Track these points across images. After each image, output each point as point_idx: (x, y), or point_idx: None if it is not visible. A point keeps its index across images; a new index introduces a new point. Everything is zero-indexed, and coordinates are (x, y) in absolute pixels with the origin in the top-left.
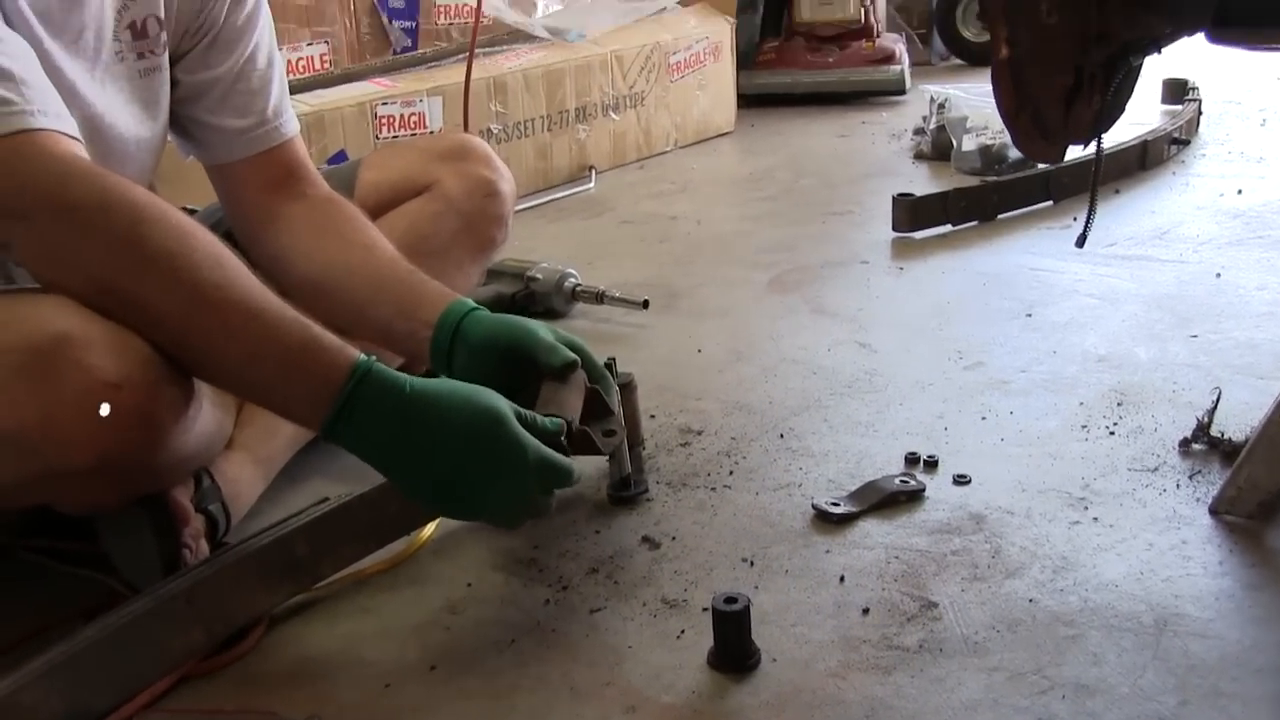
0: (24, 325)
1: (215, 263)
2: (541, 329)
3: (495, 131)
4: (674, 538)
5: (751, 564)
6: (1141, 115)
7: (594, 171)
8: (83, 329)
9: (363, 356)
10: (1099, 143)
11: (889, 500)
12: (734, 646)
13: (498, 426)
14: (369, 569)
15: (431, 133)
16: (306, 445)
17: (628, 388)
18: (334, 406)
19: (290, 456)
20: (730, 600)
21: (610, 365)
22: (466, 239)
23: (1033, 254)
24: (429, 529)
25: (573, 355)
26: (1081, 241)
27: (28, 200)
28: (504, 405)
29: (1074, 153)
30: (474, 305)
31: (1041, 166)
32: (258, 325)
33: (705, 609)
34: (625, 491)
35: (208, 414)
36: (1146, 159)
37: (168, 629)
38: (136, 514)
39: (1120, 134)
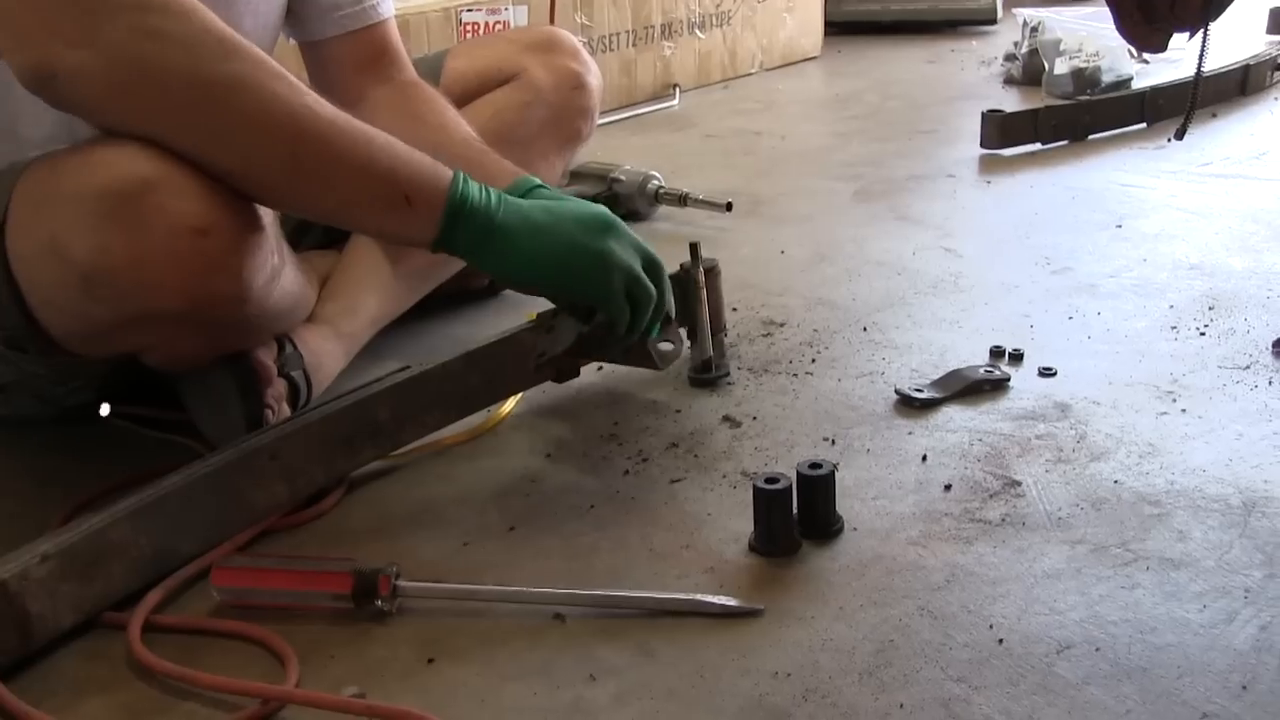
0: (108, 169)
1: (311, 97)
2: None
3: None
4: (755, 418)
5: (833, 443)
6: (1245, 43)
7: (678, 89)
8: (167, 173)
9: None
10: (1205, 33)
11: (973, 388)
12: (818, 512)
13: (598, 221)
14: (448, 439)
15: None
16: (390, 325)
17: (712, 272)
18: (447, 210)
19: (372, 335)
20: (815, 466)
21: (695, 248)
22: (553, 130)
23: (1124, 171)
24: (510, 404)
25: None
26: (1181, 133)
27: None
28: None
29: (1175, 70)
30: (540, 182)
31: (1137, 87)
32: (364, 150)
33: None
34: (706, 374)
35: (291, 275)
36: (1247, 84)
37: (251, 481)
38: (220, 372)
39: (1221, 58)
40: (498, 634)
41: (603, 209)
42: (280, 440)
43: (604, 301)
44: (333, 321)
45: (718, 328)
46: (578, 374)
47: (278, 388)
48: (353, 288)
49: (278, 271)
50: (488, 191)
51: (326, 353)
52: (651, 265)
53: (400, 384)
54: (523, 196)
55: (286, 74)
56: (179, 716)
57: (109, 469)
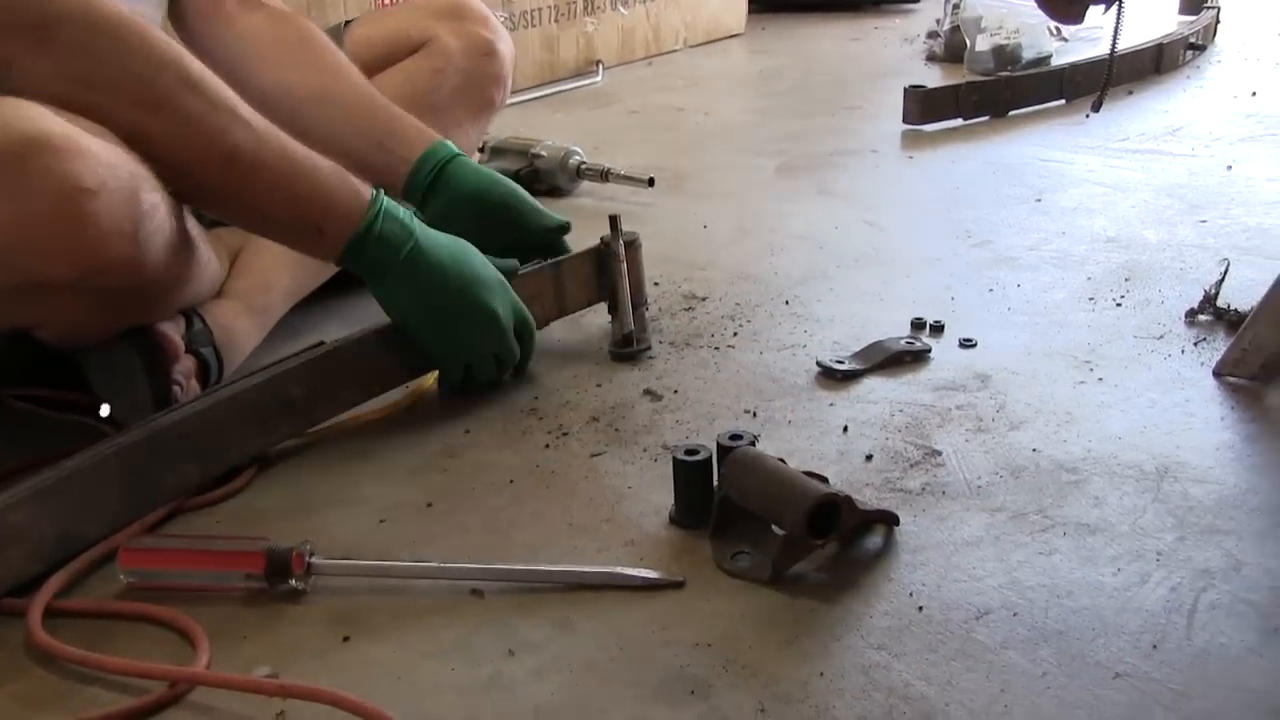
0: None
1: (234, 99)
2: (525, 193)
3: (501, 19)
4: (676, 391)
5: (754, 415)
6: (1159, 23)
7: (601, 66)
8: (54, 133)
9: (374, 192)
10: (1120, 7)
11: (894, 360)
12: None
13: (485, 278)
14: (366, 415)
15: None
16: (305, 301)
17: (632, 246)
18: (349, 242)
19: (287, 311)
20: (735, 437)
21: (615, 221)
22: (465, 97)
23: (1043, 146)
24: (429, 380)
25: (563, 219)
26: (1097, 106)
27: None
28: (491, 277)
29: (1092, 48)
30: (456, 150)
31: (1056, 64)
32: (287, 163)
33: None
34: (627, 349)
35: (196, 246)
36: (1161, 62)
37: (159, 461)
38: (124, 347)
39: (1136, 37)
40: (414, 610)
41: (498, 275)
42: (190, 418)
43: (469, 361)
44: (244, 297)
45: (639, 302)
46: None
47: (185, 364)
48: (265, 263)
49: (178, 239)
50: (405, 229)
51: (238, 329)
52: (524, 326)
53: (314, 360)
54: (441, 168)
55: (224, 87)
56: (82, 703)
57: (8, 451)
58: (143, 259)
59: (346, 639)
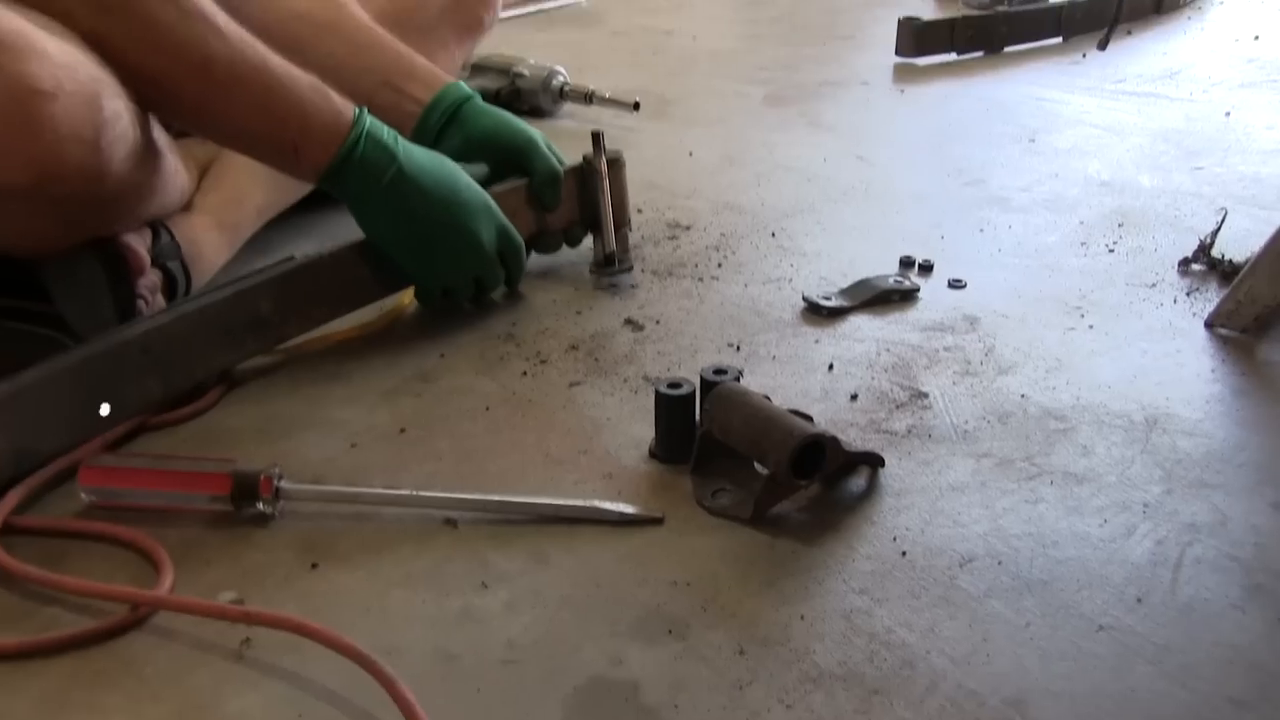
0: None
1: (210, 8)
2: (541, 138)
3: None
4: (658, 321)
5: (737, 349)
6: None
7: None
8: (10, 30)
9: (357, 111)
10: None
11: (882, 298)
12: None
13: (470, 200)
14: (338, 334)
15: None
16: (279, 217)
17: (615, 164)
18: (329, 166)
19: (259, 226)
20: (720, 372)
21: (597, 139)
22: (453, 17)
23: (1039, 85)
24: (405, 299)
25: (559, 170)
26: (1104, 44)
27: None
28: (480, 199)
29: None
30: (470, 92)
31: (1053, 1)
32: (264, 77)
33: None
34: (609, 268)
35: (163, 155)
36: (1162, 2)
37: (121, 374)
38: (87, 259)
39: None
40: (385, 539)
41: (483, 197)
42: (152, 332)
43: (448, 284)
44: (214, 211)
45: (621, 221)
46: None
47: (151, 278)
48: (236, 176)
49: (143, 148)
50: (387, 151)
51: (207, 244)
52: (511, 247)
53: (285, 275)
54: (456, 110)
55: None
56: (40, 623)
57: None
58: (104, 167)
59: (315, 566)
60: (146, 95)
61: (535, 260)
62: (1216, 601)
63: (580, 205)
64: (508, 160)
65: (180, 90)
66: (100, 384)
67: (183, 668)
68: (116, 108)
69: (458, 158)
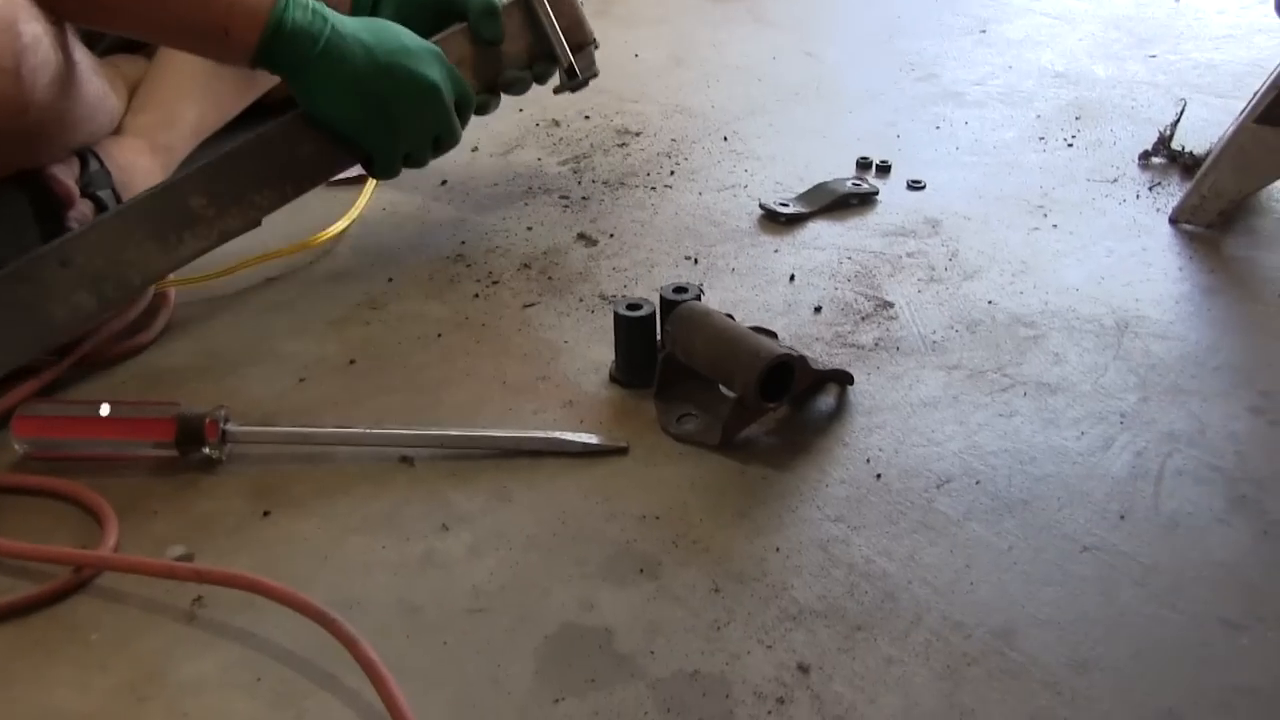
0: None
1: None
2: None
3: None
4: (612, 235)
5: (695, 261)
6: None
7: None
8: None
9: None
10: None
11: (840, 202)
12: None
13: (416, 49)
14: (282, 250)
15: None
16: (215, 137)
17: None
18: (261, 41)
19: (193, 148)
20: (680, 290)
21: None
22: None
23: None
24: (343, 222)
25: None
26: None
27: None
28: (423, 49)
29: None
30: None
31: None
32: None
33: None
34: (573, 80)
35: (89, 80)
36: None
37: (42, 294)
38: (11, 193)
39: None
40: (339, 481)
41: (428, 45)
42: (69, 244)
43: (409, 149)
44: (146, 134)
45: (582, 40)
46: None
47: (81, 209)
48: (168, 95)
49: (65, 73)
50: (317, 15)
51: (140, 169)
52: (463, 98)
53: (213, 164)
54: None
55: None
56: None
57: None
58: (25, 97)
59: (267, 514)
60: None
61: (484, 173)
62: (1201, 515)
63: (535, 38)
64: (447, 12)
65: None
66: (22, 305)
67: (131, 632)
68: (35, 31)
69: (392, 17)
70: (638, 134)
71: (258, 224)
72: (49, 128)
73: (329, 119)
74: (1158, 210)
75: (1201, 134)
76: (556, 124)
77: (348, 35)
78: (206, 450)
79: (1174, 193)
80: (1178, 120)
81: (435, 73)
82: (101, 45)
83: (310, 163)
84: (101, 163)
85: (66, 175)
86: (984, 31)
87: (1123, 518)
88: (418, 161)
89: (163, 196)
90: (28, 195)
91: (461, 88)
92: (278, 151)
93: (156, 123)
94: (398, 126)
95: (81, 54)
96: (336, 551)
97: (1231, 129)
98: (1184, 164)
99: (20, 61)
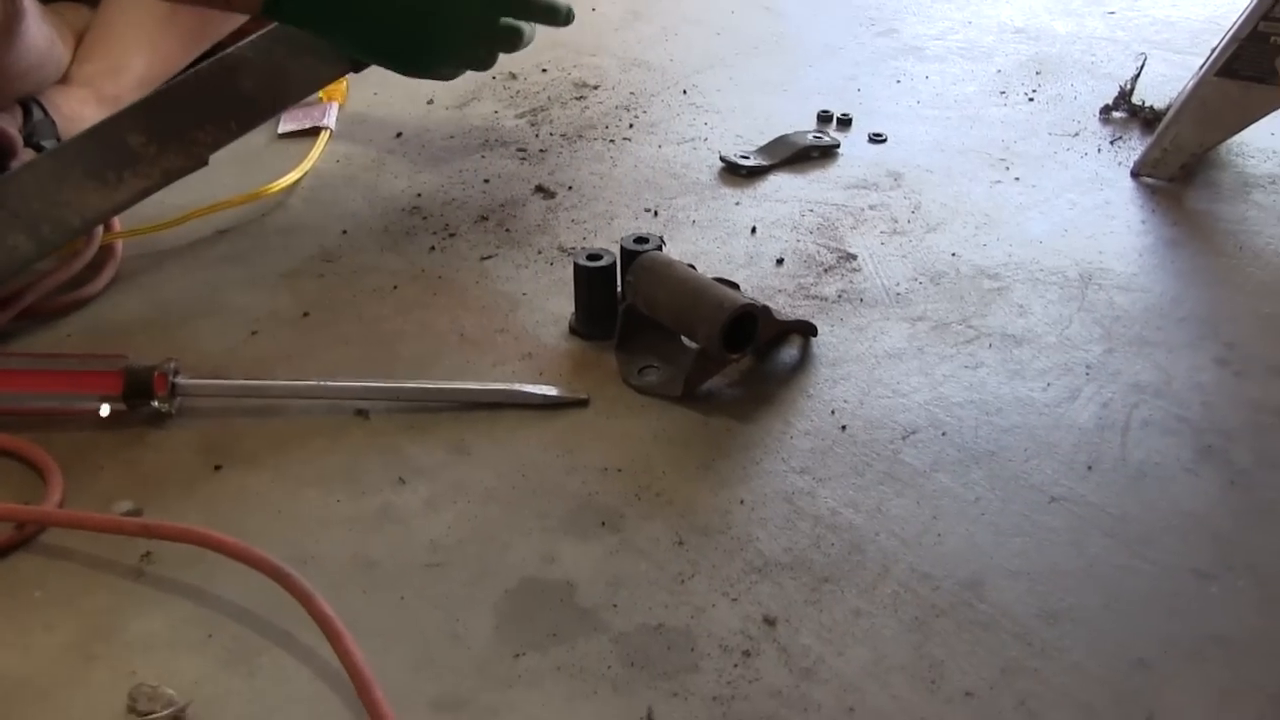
0: None
1: None
2: None
3: None
4: (570, 188)
5: (655, 214)
6: None
7: None
8: None
9: None
10: None
11: (801, 155)
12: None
13: None
14: (232, 200)
15: None
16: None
17: None
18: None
19: (141, 98)
20: (641, 240)
21: None
22: None
23: None
24: (295, 174)
25: None
26: None
27: None
28: None
29: None
30: None
31: None
32: None
33: None
34: None
35: (35, 28)
36: None
37: None
38: None
39: None
40: (293, 434)
41: None
42: (0, 186)
43: (469, 62)
44: (92, 83)
45: None
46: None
47: (25, 159)
48: (114, 44)
49: (14, 22)
50: None
51: (85, 118)
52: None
53: (149, 100)
54: None
55: None
56: None
57: None
58: None
59: (218, 468)
60: None
61: (439, 125)
62: (1169, 465)
63: None
64: None
65: None
66: None
67: (77, 589)
68: None
69: None
70: (596, 87)
71: (204, 162)
72: None
73: (367, 51)
74: (1119, 164)
75: (1161, 89)
76: (513, 77)
77: None
78: (155, 404)
79: (1135, 147)
80: (1138, 75)
81: None
82: None
83: (254, 99)
84: (46, 112)
85: (10, 124)
86: None
87: (1090, 468)
88: (484, 65)
89: (99, 135)
90: None
91: None
92: (219, 86)
93: (103, 72)
94: (457, 45)
95: (28, 2)
96: (290, 506)
97: (1192, 83)
98: (1144, 118)
99: None
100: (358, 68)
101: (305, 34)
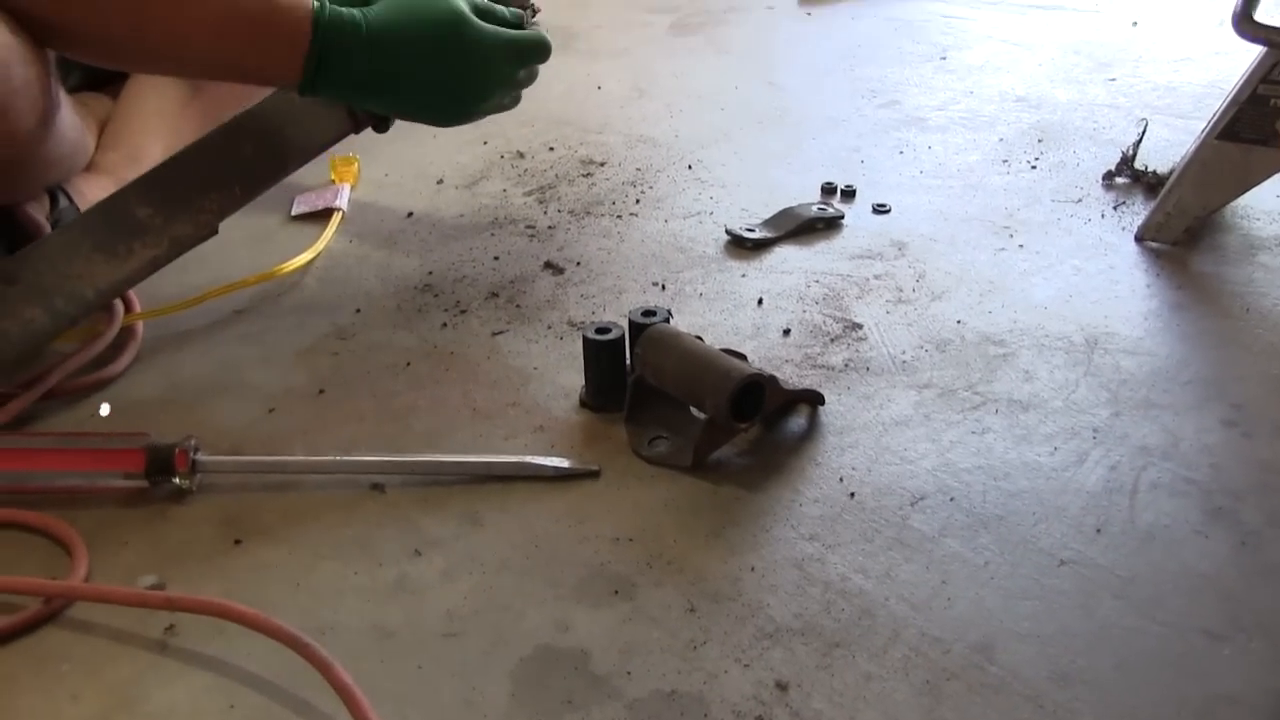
0: None
1: None
2: None
3: None
4: (579, 263)
5: (663, 288)
6: None
7: None
8: None
9: (314, 3)
10: None
11: (806, 227)
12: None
13: (461, 27)
14: (249, 279)
15: None
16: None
17: None
18: (307, 67)
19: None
20: (649, 313)
21: None
22: None
23: (944, 2)
24: (307, 255)
25: None
26: None
27: None
28: (458, 5)
29: None
30: None
31: None
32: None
33: None
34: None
35: (66, 119)
36: None
37: None
38: None
39: None
40: (310, 508)
41: (448, 9)
42: (12, 261)
43: (495, 103)
44: (114, 171)
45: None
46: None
47: None
48: (134, 132)
49: (52, 114)
50: (349, 12)
51: None
52: (526, 48)
53: (152, 173)
54: None
55: None
56: None
57: None
58: (16, 139)
59: (238, 542)
60: (102, 44)
61: (450, 204)
62: (1178, 528)
63: None
64: None
65: (148, 39)
66: None
67: (102, 661)
68: (27, 76)
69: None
70: (602, 164)
71: (213, 230)
72: (30, 168)
73: (404, 110)
74: (1123, 229)
75: (1164, 154)
76: (521, 155)
77: (378, 29)
78: (176, 480)
79: (1139, 211)
80: (1140, 140)
81: (487, 32)
82: (70, 82)
83: (257, 162)
84: (70, 199)
85: (39, 212)
86: (944, 58)
87: (1099, 531)
88: (511, 103)
89: (107, 209)
90: (1, 231)
91: (514, 41)
92: (221, 153)
93: (123, 159)
94: (480, 93)
95: (62, 95)
96: (308, 578)
97: (1193, 147)
98: (1148, 183)
99: (10, 104)
100: (358, 129)
101: (307, 99)
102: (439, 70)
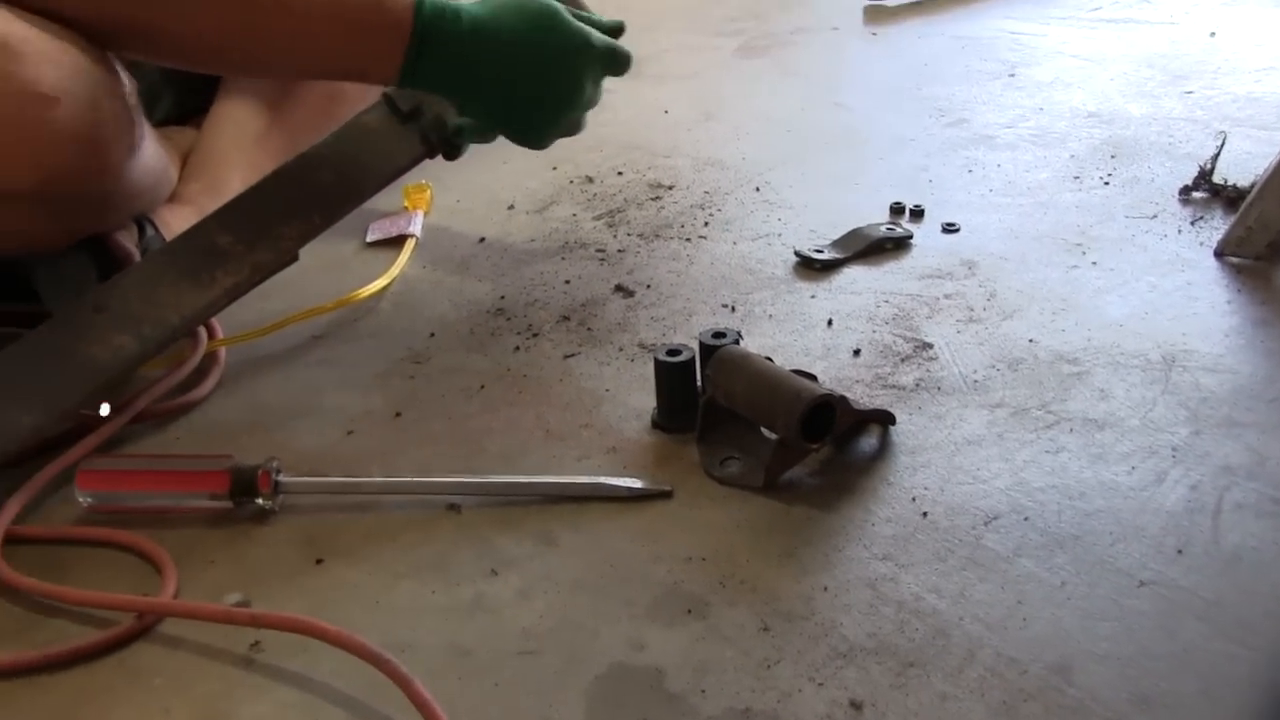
0: None
1: None
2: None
3: None
4: (649, 286)
5: (733, 309)
6: None
7: None
8: (17, 35)
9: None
10: None
11: (875, 247)
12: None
13: (556, 19)
14: (326, 307)
15: None
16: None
17: None
18: (409, 53)
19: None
20: (719, 335)
21: None
22: None
23: (1012, 19)
24: (383, 280)
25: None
26: None
27: None
28: (556, 3)
29: None
30: None
31: None
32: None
33: None
34: None
35: (152, 150)
36: None
37: (82, 336)
38: (77, 257)
39: None
40: (388, 529)
41: (545, 6)
42: (101, 291)
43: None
44: (196, 201)
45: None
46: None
47: None
48: (216, 165)
49: (138, 146)
50: (451, 3)
51: None
52: (616, 51)
53: (233, 202)
54: None
55: None
56: (47, 635)
57: None
58: (106, 170)
59: (319, 561)
60: (211, 50)
61: (520, 230)
62: (1265, 549)
63: None
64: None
65: (252, 44)
66: (65, 351)
67: (192, 676)
68: (116, 108)
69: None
70: (671, 187)
71: (294, 257)
72: (119, 196)
73: (498, 123)
74: (1201, 244)
75: (1245, 167)
76: (590, 180)
77: (481, 29)
78: (260, 501)
79: (1217, 226)
80: (1218, 153)
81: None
82: (156, 116)
83: (334, 190)
84: (156, 229)
85: (128, 240)
86: (1013, 75)
87: (1180, 552)
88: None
89: (191, 238)
90: (92, 259)
91: (600, 46)
92: (298, 182)
93: (205, 189)
94: (575, 100)
95: (146, 128)
96: (387, 597)
97: (1277, 159)
98: (1227, 197)
99: (100, 134)
100: (432, 154)
101: (380, 126)
102: (535, 61)
